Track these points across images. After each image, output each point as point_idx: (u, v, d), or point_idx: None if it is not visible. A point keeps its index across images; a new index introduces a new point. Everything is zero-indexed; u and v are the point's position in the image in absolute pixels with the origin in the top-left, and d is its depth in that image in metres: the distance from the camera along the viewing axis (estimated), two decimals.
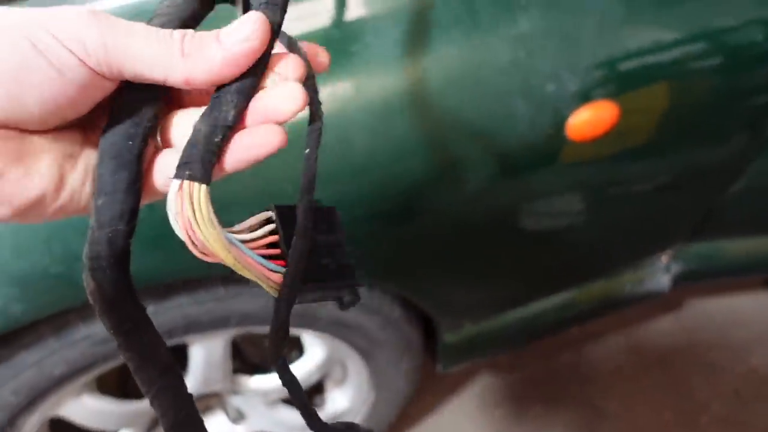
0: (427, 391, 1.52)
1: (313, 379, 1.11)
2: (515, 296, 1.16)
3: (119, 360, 0.89)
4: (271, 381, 1.09)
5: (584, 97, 0.81)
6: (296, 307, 0.78)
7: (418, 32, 0.76)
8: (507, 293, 1.15)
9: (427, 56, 0.75)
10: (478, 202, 0.95)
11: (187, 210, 0.30)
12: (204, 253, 0.31)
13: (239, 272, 0.32)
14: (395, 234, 0.92)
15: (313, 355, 1.07)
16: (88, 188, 0.31)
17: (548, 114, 0.81)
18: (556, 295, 1.20)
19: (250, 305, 0.88)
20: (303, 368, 1.08)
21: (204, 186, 0.30)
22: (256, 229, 0.34)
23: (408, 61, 0.75)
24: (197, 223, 0.30)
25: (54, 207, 0.31)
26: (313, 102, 0.34)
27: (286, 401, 1.15)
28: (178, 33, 0.30)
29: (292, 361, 1.10)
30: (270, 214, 0.35)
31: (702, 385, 1.56)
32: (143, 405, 1.01)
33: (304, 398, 0.37)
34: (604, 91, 0.82)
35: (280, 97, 0.31)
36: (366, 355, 1.08)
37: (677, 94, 0.90)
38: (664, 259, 1.22)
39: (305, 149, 0.35)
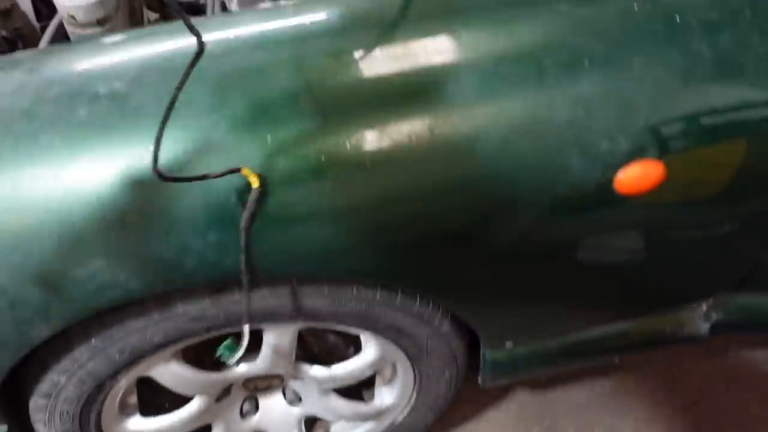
0: (467, 401, 1.63)
1: (366, 374, 1.24)
2: (556, 326, 1.26)
3: (203, 336, 1.04)
4: (327, 371, 1.23)
5: (633, 155, 0.91)
6: (359, 309, 0.93)
7: (492, 83, 0.88)
8: (547, 323, 1.24)
9: (499, 106, 0.88)
10: (529, 237, 1.06)
11: None
12: None
13: None
14: (452, 258, 1.03)
15: (368, 354, 1.20)
16: None
17: (599, 168, 0.91)
18: (596, 328, 1.29)
19: (318, 303, 1.02)
20: (358, 363, 1.21)
21: None
22: None
23: (481, 108, 0.88)
24: None
25: None
26: None
27: (338, 391, 1.29)
28: None
29: (350, 357, 1.23)
30: None
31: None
32: (215, 376, 1.16)
33: None
34: (653, 151, 0.92)
35: None
36: (414, 359, 1.20)
37: (728, 155, 0.99)
38: (704, 306, 1.29)
39: None
